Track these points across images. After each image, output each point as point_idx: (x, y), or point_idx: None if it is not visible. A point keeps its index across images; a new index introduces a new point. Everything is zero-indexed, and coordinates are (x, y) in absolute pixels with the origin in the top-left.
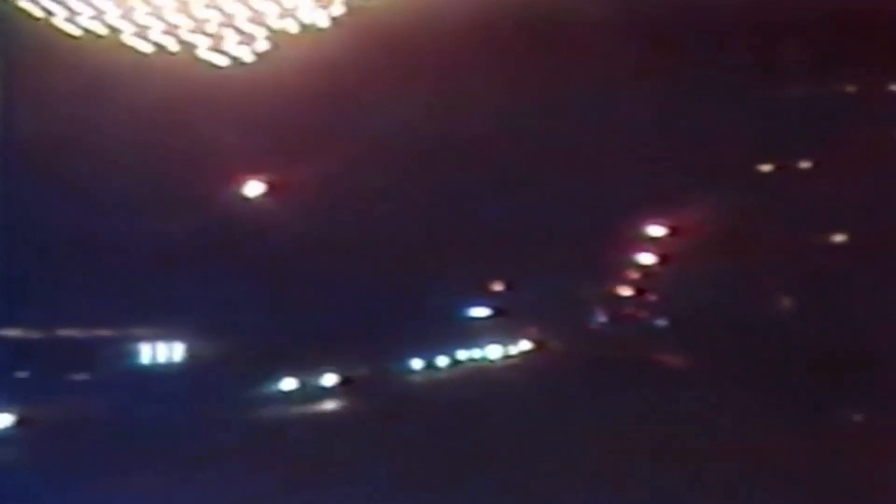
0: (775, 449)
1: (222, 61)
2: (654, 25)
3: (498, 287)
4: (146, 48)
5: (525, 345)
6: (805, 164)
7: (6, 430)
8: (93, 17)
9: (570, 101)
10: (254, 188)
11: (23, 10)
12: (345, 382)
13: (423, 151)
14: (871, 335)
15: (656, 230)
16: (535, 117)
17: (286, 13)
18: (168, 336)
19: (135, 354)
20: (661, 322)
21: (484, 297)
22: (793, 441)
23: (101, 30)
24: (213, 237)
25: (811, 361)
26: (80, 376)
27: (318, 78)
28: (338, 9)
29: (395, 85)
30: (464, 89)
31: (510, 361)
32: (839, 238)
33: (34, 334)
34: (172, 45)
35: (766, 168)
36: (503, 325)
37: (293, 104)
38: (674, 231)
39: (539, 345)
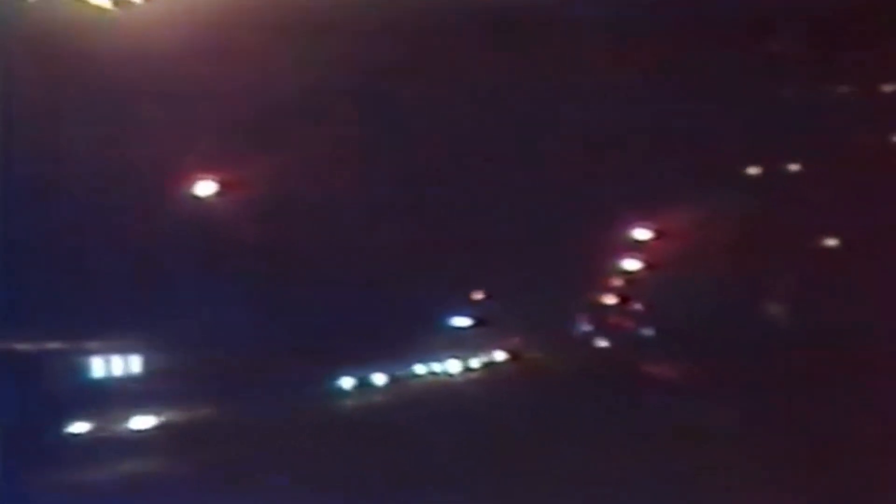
0: (765, 459)
1: (108, 3)
2: (641, 27)
3: (477, 296)
4: None
5: (500, 355)
6: (795, 167)
7: None
8: None
9: (552, 105)
10: (204, 187)
11: None
12: (321, 394)
13: (398, 152)
14: (864, 341)
15: (642, 234)
16: (516, 120)
17: None
18: (128, 346)
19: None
20: (647, 331)
21: (463, 307)
22: (784, 451)
23: None
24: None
25: (802, 370)
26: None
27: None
28: None
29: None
30: (444, 89)
31: (481, 373)
32: (831, 242)
33: None
34: None
35: (755, 171)
36: (482, 336)
37: (196, 57)
38: (660, 235)
39: (515, 355)
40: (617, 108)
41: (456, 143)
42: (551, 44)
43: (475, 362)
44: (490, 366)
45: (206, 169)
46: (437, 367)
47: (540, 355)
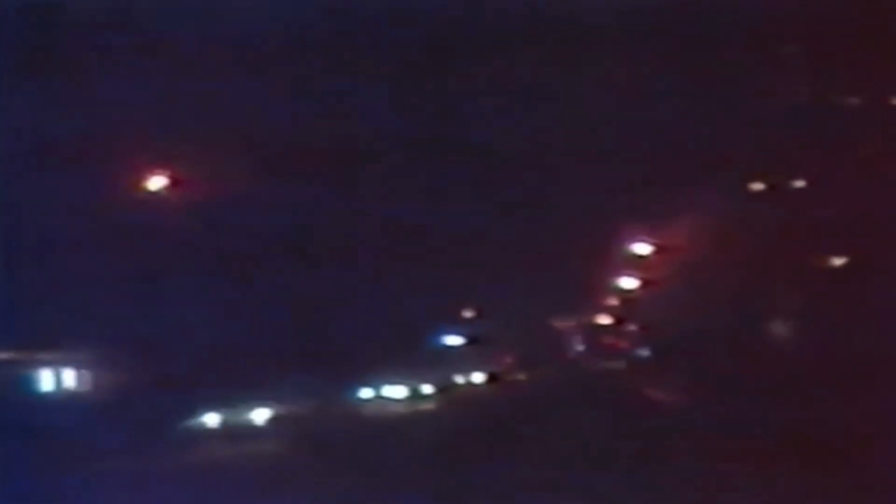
0: (765, 477)
1: None
2: (645, 38)
3: (468, 314)
4: None
5: (480, 377)
6: (798, 182)
7: None
8: None
9: (550, 120)
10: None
11: None
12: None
13: (391, 155)
14: (866, 360)
15: (642, 248)
16: (512, 134)
17: None
18: (79, 360)
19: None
20: (643, 351)
21: (454, 325)
22: (785, 469)
23: None
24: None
25: (803, 387)
26: None
27: None
28: None
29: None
30: (437, 102)
31: (467, 393)
32: (834, 258)
33: None
34: None
35: (757, 185)
36: (473, 354)
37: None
38: (658, 250)
39: (493, 377)
40: (617, 120)
41: (448, 153)
42: (559, 57)
43: (463, 381)
44: (477, 385)
45: (205, 180)
46: (425, 386)
47: (530, 375)
